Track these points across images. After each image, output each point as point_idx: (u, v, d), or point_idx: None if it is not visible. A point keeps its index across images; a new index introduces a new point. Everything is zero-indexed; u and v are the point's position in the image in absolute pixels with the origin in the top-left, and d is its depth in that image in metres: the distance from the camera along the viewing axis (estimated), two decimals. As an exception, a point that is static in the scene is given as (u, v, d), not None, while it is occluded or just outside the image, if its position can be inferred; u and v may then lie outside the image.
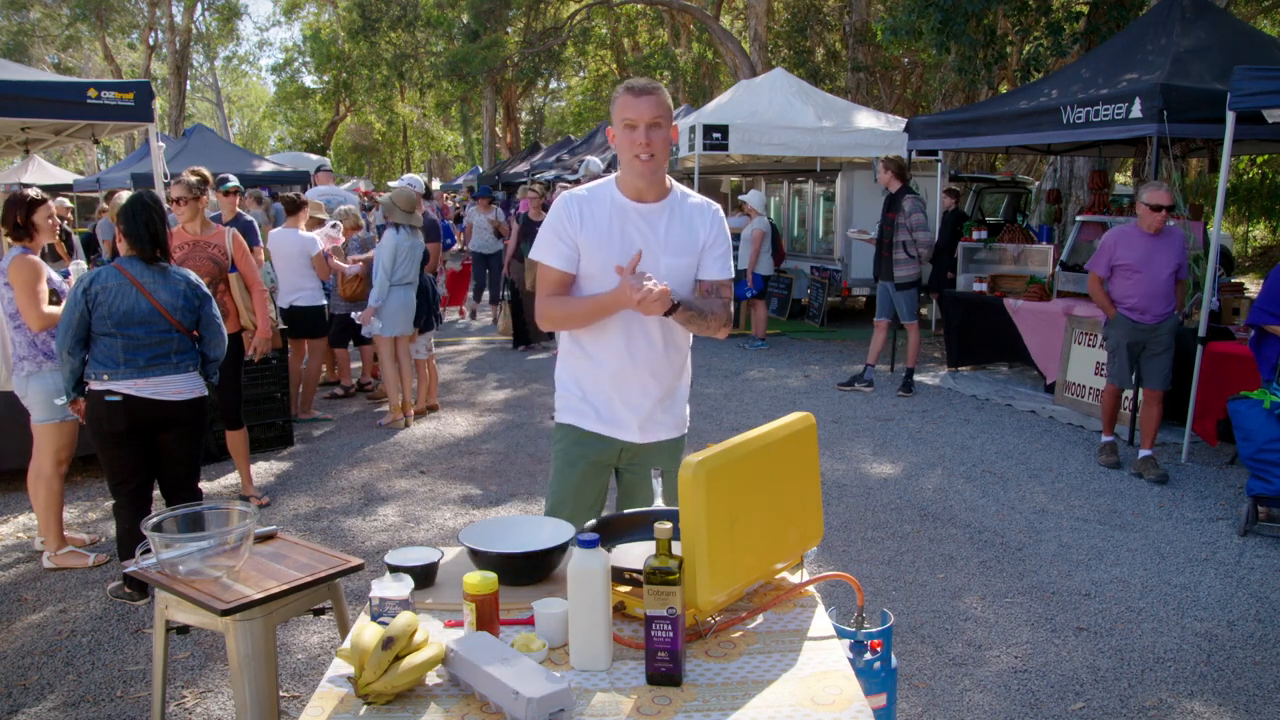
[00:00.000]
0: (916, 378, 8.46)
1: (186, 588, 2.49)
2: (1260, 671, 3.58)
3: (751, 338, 10.81)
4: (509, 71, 27.70)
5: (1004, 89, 14.39)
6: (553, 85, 37.07)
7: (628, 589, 1.90)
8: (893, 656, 2.41)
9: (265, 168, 16.24)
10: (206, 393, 4.03)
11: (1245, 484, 5.04)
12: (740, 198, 11.06)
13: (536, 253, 2.62)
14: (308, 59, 39.23)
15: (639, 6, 27.01)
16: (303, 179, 15.06)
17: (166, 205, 4.50)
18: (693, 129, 11.45)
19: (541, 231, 2.64)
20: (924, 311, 9.77)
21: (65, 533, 4.68)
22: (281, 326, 6.68)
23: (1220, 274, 6.64)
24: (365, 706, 1.67)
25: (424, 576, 2.12)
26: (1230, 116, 5.75)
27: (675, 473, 2.55)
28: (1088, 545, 4.83)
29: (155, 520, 2.54)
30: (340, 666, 1.80)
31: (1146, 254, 5.73)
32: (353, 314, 7.24)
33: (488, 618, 1.84)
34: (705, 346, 10.69)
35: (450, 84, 28.49)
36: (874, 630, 2.34)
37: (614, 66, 31.26)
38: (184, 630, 2.75)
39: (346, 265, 7.60)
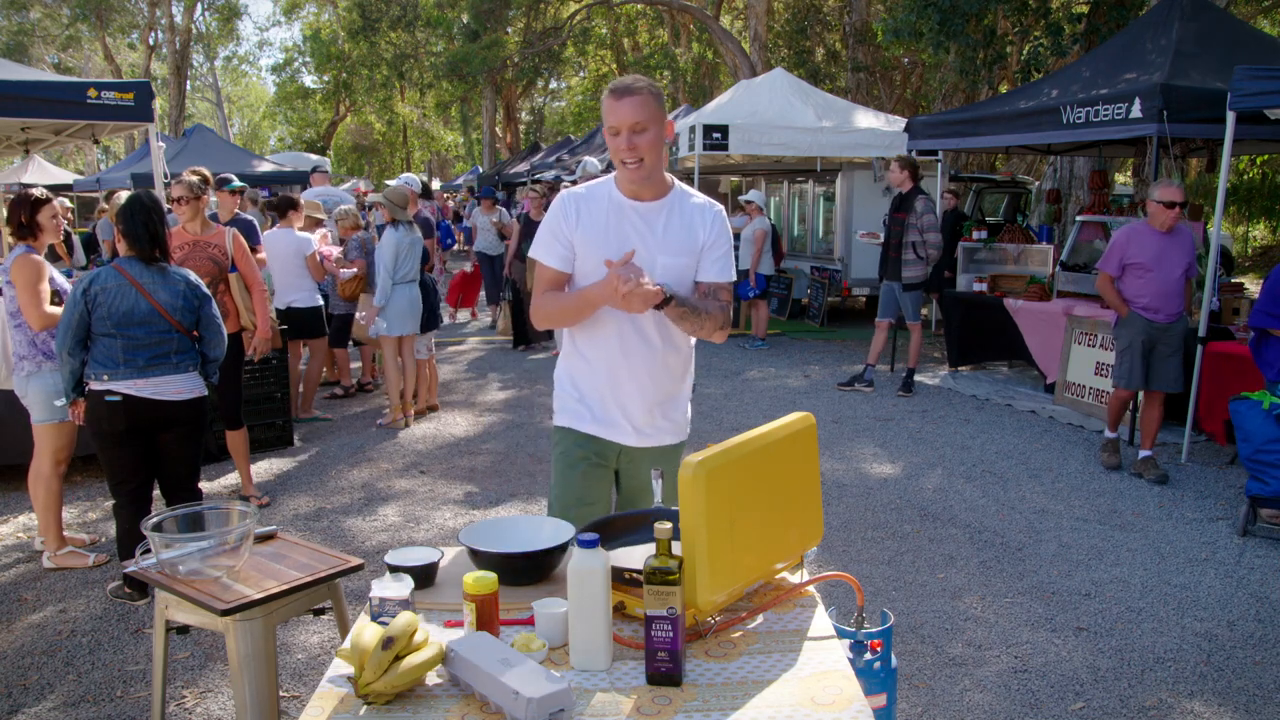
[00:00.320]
0: (916, 378, 8.47)
1: (186, 588, 2.49)
2: (1260, 671, 3.58)
3: (752, 338, 10.81)
4: (509, 71, 27.71)
5: (1004, 89, 14.38)
6: (553, 85, 37.09)
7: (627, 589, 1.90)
8: (893, 656, 2.41)
9: (265, 168, 16.25)
10: (206, 393, 4.03)
11: (1244, 484, 5.04)
12: (742, 198, 11.06)
13: (534, 251, 2.62)
14: (308, 59, 39.25)
15: (639, 6, 27.01)
16: (302, 179, 15.06)
17: (166, 205, 4.50)
18: (693, 129, 11.45)
19: (539, 230, 2.63)
20: (924, 311, 9.76)
21: (65, 533, 4.68)
22: (281, 327, 6.68)
23: (1220, 274, 6.63)
24: (365, 706, 1.67)
25: (424, 576, 2.12)
26: (1230, 116, 5.75)
27: (675, 474, 2.56)
28: (1088, 545, 4.83)
29: (155, 520, 2.54)
30: (340, 666, 1.80)
31: (1159, 252, 5.67)
32: (358, 315, 7.24)
33: (488, 618, 1.84)
34: (705, 346, 10.68)
35: (450, 84, 28.49)
36: (874, 630, 2.34)
37: (614, 66, 31.24)
38: (184, 630, 2.75)
39: (342, 270, 7.60)
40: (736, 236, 10.96)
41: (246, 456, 5.44)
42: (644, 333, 2.59)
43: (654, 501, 2.34)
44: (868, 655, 2.30)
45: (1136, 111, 6.57)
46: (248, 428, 5.53)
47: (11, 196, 4.88)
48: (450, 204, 20.62)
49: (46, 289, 4.28)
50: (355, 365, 8.90)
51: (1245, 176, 19.62)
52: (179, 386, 3.88)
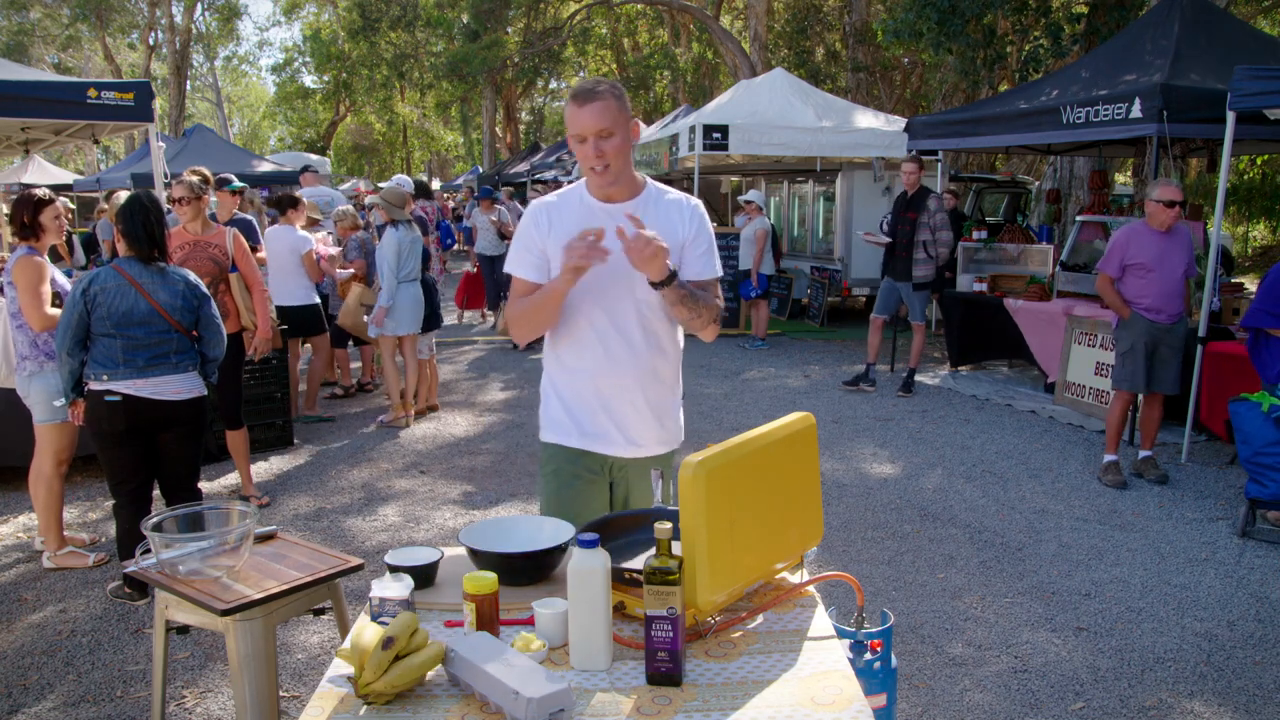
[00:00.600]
0: (916, 378, 8.47)
1: (186, 588, 2.49)
2: (1260, 671, 3.58)
3: (752, 337, 10.81)
4: (509, 71, 27.71)
5: (1004, 89, 14.39)
6: (553, 85, 37.05)
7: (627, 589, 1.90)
8: (893, 656, 2.41)
9: (265, 168, 16.24)
10: (206, 392, 4.03)
11: (1244, 485, 5.04)
12: (742, 198, 11.07)
13: (508, 265, 2.53)
14: (308, 59, 39.26)
15: (639, 6, 27.01)
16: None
17: (167, 205, 4.50)
18: (693, 129, 11.45)
19: (512, 243, 2.54)
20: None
21: (65, 533, 4.68)
22: (281, 326, 6.67)
23: (1220, 274, 6.63)
24: (365, 706, 1.67)
25: (424, 576, 2.12)
26: (1230, 116, 5.75)
27: (670, 479, 2.54)
28: (1088, 545, 4.83)
29: (155, 520, 2.54)
30: (340, 666, 1.80)
31: (1160, 252, 5.60)
32: (364, 315, 7.24)
33: (488, 618, 1.84)
34: (706, 346, 10.69)
35: (450, 84, 28.49)
36: (874, 630, 2.34)
37: (614, 66, 31.25)
38: (184, 630, 2.75)
39: (339, 270, 7.59)
40: (736, 237, 10.97)
41: (246, 456, 5.44)
42: (629, 337, 2.48)
43: (654, 502, 2.34)
44: (868, 655, 2.30)
45: (1136, 111, 6.57)
46: (248, 428, 5.53)
47: (13, 196, 4.88)
48: (450, 204, 20.62)
49: (48, 290, 4.29)
50: (355, 365, 8.90)
51: (1245, 176, 19.62)
52: (178, 386, 3.88)
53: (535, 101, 39.84)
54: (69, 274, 4.88)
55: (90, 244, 10.49)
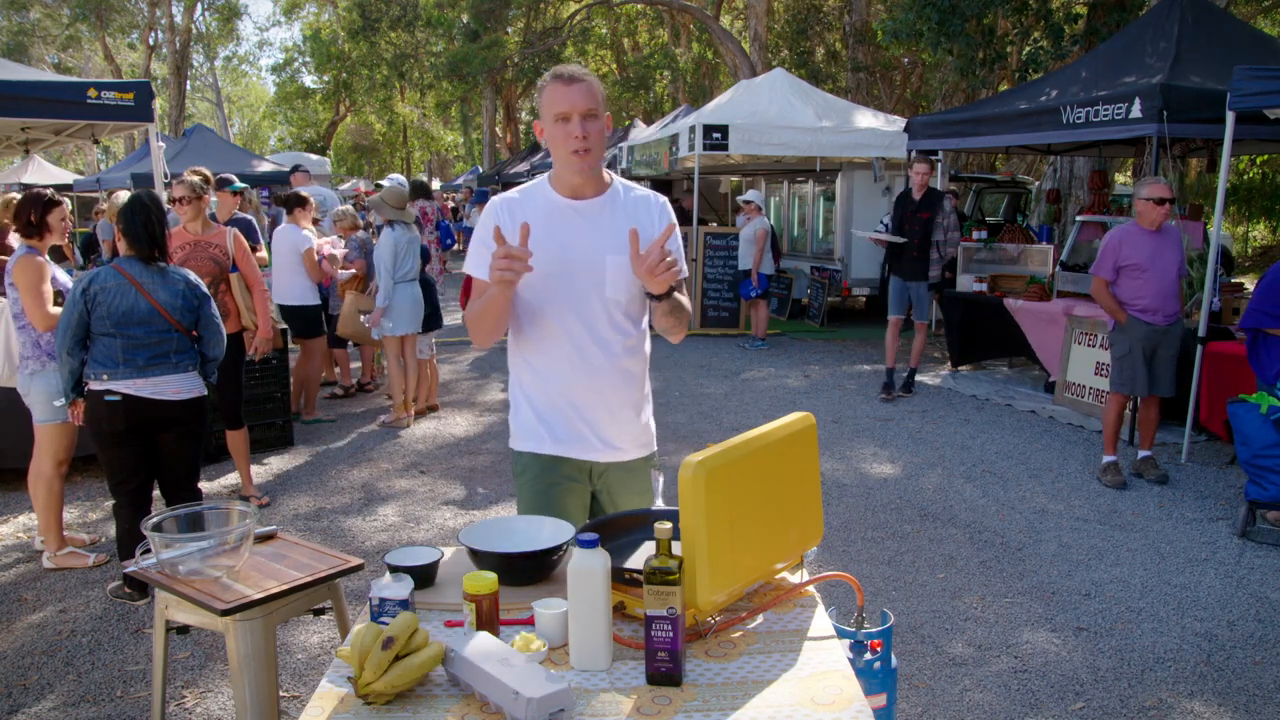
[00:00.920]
0: (917, 378, 8.47)
1: (186, 588, 2.49)
2: (1260, 671, 3.58)
3: (751, 337, 10.81)
4: (509, 71, 27.69)
5: (1004, 89, 14.39)
6: (553, 85, 37.00)
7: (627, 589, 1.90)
8: (893, 656, 2.41)
9: (265, 168, 16.24)
10: (206, 392, 4.03)
11: (1244, 486, 5.04)
12: (742, 198, 11.07)
13: (466, 266, 2.41)
14: (308, 59, 39.26)
15: (639, 6, 27.01)
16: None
17: (167, 205, 4.50)
18: (693, 129, 11.45)
19: (471, 241, 2.43)
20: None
21: (65, 533, 4.68)
22: (281, 326, 6.68)
23: (1220, 274, 6.62)
24: (365, 706, 1.67)
25: (424, 576, 2.12)
26: (1230, 116, 5.75)
27: (648, 491, 2.51)
28: (1088, 545, 4.83)
29: (155, 520, 2.54)
30: (340, 666, 1.80)
31: (1152, 252, 5.55)
32: (361, 316, 7.23)
33: (488, 618, 1.84)
34: (706, 347, 10.69)
35: (450, 84, 28.50)
36: (874, 630, 2.34)
37: (614, 66, 31.26)
38: (184, 630, 2.75)
39: (339, 271, 7.59)
40: (736, 237, 10.97)
41: (246, 456, 5.44)
42: (600, 338, 2.39)
43: (653, 502, 2.34)
44: (868, 655, 2.30)
45: (1136, 111, 6.57)
46: (248, 428, 5.53)
47: (16, 196, 4.89)
48: (450, 204, 20.63)
49: (49, 289, 4.29)
50: (355, 365, 8.90)
51: (1245, 176, 19.62)
52: (178, 386, 3.88)
53: (535, 101, 39.80)
54: (71, 273, 4.88)
55: (90, 244, 10.48)
